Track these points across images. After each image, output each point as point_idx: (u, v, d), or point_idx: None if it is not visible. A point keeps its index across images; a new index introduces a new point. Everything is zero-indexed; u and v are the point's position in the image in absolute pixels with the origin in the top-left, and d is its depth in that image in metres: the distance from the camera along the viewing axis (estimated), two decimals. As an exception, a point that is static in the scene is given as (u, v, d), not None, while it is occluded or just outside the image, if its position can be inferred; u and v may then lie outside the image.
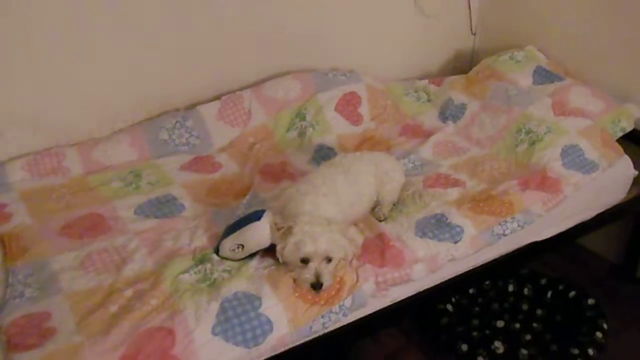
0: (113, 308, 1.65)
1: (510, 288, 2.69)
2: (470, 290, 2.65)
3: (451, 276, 2.08)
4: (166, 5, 2.49)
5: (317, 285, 1.73)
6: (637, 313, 2.66)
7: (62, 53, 2.38)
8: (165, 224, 2.06)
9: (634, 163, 2.51)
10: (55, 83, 2.41)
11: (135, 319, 1.60)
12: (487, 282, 2.68)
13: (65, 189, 2.25)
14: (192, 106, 2.67)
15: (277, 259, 1.82)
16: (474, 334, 2.38)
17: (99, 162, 2.41)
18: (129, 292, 1.71)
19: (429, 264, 1.95)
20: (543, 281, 2.68)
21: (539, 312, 2.60)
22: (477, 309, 2.60)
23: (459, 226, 2.04)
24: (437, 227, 2.03)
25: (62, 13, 2.31)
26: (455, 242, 2.00)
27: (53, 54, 2.36)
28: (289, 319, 1.70)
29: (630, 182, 2.54)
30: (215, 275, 1.78)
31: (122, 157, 2.44)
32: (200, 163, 2.47)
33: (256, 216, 1.86)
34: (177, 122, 2.55)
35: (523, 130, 2.53)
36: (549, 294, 2.65)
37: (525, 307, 2.63)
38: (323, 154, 2.52)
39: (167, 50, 2.59)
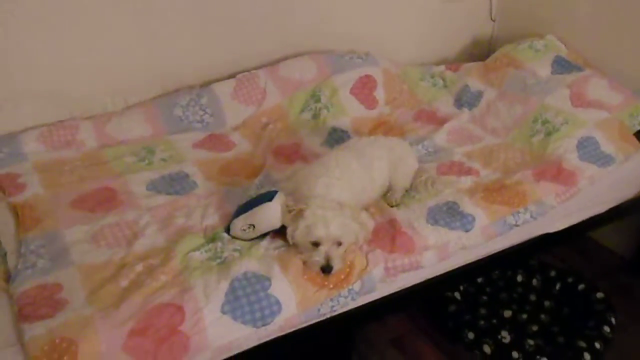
0: (124, 282, 1.66)
1: (519, 278, 2.68)
2: (479, 279, 2.65)
3: (461, 264, 2.08)
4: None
5: (327, 269, 1.73)
6: (646, 307, 2.65)
7: (77, 27, 2.38)
8: (177, 200, 2.06)
9: (649, 158, 2.48)
10: (70, 56, 2.42)
11: (145, 294, 1.61)
12: (496, 272, 2.67)
13: (78, 162, 2.26)
14: (206, 84, 2.66)
15: (288, 241, 1.82)
16: (481, 322, 2.38)
17: (112, 136, 2.41)
18: (139, 267, 1.72)
19: (439, 251, 1.94)
20: (552, 273, 2.68)
21: (546, 303, 2.59)
22: (485, 298, 2.60)
23: (470, 215, 2.02)
24: (448, 215, 2.02)
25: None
26: (467, 231, 1.99)
27: (69, 28, 2.36)
28: (298, 301, 1.70)
29: (646, 177, 2.51)
30: (226, 254, 1.79)
31: (136, 132, 2.45)
32: (214, 141, 2.47)
33: (268, 197, 1.86)
34: (191, 99, 2.55)
35: (539, 121, 2.50)
36: (558, 285, 2.64)
37: (533, 298, 2.62)
38: (337, 137, 2.51)
39: (183, 27, 2.58)
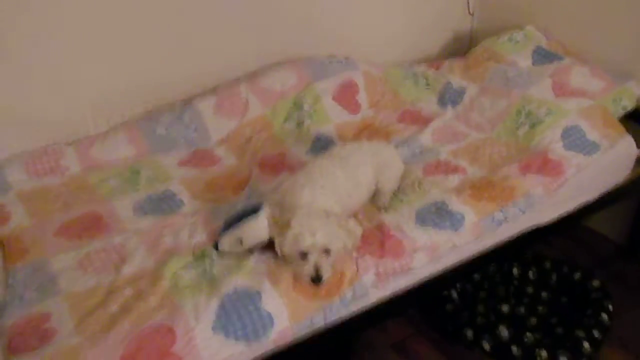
0: (113, 307, 1.64)
1: (515, 272, 2.67)
2: (475, 276, 2.64)
3: (453, 263, 2.07)
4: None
5: (317, 279, 1.72)
6: (641, 294, 2.64)
7: (55, 50, 2.35)
8: (164, 221, 2.04)
9: (636, 142, 2.48)
10: (49, 80, 2.39)
11: (135, 317, 1.59)
12: (491, 267, 2.66)
13: (63, 188, 2.25)
14: (188, 97, 2.64)
15: (276, 253, 1.81)
16: (479, 319, 2.37)
17: (96, 159, 2.39)
18: (128, 291, 1.70)
19: (430, 252, 1.94)
20: (547, 264, 2.67)
21: (544, 295, 2.58)
22: (482, 294, 2.59)
23: (459, 213, 2.02)
24: (437, 215, 2.01)
25: (54, 12, 2.29)
26: (456, 230, 1.98)
27: (46, 52, 2.33)
28: (290, 313, 1.69)
29: (633, 161, 2.51)
30: (215, 270, 1.78)
31: (120, 153, 2.43)
32: (199, 157, 2.46)
33: (253, 210, 1.85)
34: (174, 116, 2.53)
35: (523, 113, 2.50)
36: (554, 276, 2.63)
37: (530, 290, 2.61)
38: (322, 144, 2.50)
39: (160, 42, 2.56)
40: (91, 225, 2.02)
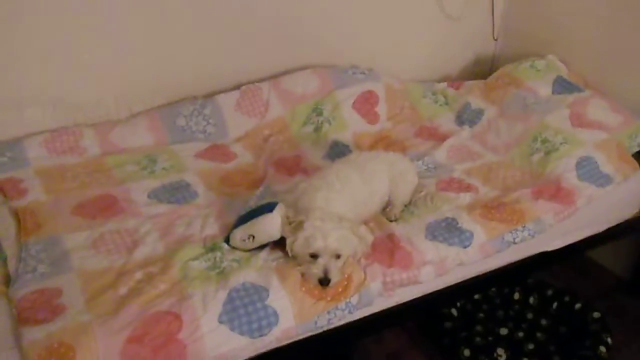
0: (123, 289, 1.67)
1: (516, 296, 2.69)
2: (476, 296, 2.65)
3: (458, 280, 2.09)
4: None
5: (324, 281, 1.74)
6: (641, 329, 2.65)
7: (83, 35, 2.39)
8: (177, 209, 2.08)
9: (648, 179, 2.50)
10: (75, 63, 2.43)
11: (144, 301, 1.62)
12: (493, 289, 2.68)
13: (80, 169, 2.28)
14: (210, 94, 2.68)
15: (287, 252, 1.83)
16: (477, 339, 2.38)
17: (115, 144, 2.43)
18: (139, 275, 1.73)
19: (437, 267, 1.95)
20: (549, 291, 2.68)
21: (543, 322, 2.60)
22: (481, 315, 2.60)
23: (469, 231, 2.04)
24: (447, 231, 2.03)
25: (89, 3, 2.34)
26: (465, 247, 2.00)
27: (75, 36, 2.38)
28: (295, 313, 1.71)
29: (644, 197, 2.53)
30: (225, 264, 1.80)
31: (139, 141, 2.46)
32: (216, 151, 2.49)
33: (268, 208, 1.87)
34: (195, 109, 2.57)
35: (539, 139, 2.52)
36: (555, 304, 2.64)
37: (530, 316, 2.63)
38: (338, 151, 2.52)
39: (189, 37, 2.60)
40: (106, 207, 2.05)
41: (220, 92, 2.69)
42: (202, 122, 2.56)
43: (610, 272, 3.01)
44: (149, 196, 2.14)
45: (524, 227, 2.12)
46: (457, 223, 2.07)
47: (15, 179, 2.17)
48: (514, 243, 2.10)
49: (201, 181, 2.26)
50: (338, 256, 1.78)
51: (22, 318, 1.55)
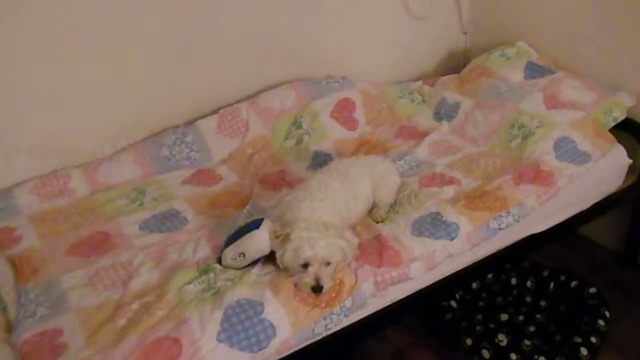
0: (121, 321, 1.71)
1: (514, 281, 2.71)
2: (474, 285, 2.69)
3: (451, 272, 2.13)
4: (163, 22, 2.57)
5: (317, 289, 1.78)
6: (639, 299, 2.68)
7: (63, 76, 2.45)
8: (169, 237, 2.12)
9: (628, 151, 2.54)
10: (56, 106, 2.48)
11: (143, 330, 1.66)
12: (489, 277, 2.72)
13: (72, 209, 2.33)
14: (191, 120, 2.74)
15: (278, 265, 1.88)
16: (478, 328, 2.42)
17: (103, 181, 2.48)
18: (135, 305, 1.77)
19: (426, 261, 2.00)
20: (545, 273, 2.71)
21: (542, 303, 2.63)
22: (481, 303, 2.64)
23: (454, 223, 2.08)
24: (433, 225, 2.08)
25: (62, 37, 2.39)
26: (452, 239, 2.05)
27: (55, 79, 2.44)
28: (292, 323, 1.75)
29: (625, 170, 2.56)
30: (219, 284, 1.85)
31: (125, 176, 2.51)
32: (202, 176, 2.54)
33: (255, 225, 1.92)
34: (177, 138, 2.62)
35: (516, 126, 2.57)
36: (552, 285, 2.67)
37: (529, 299, 2.66)
38: (320, 160, 2.57)
39: (164, 69, 2.65)
40: (99, 244, 2.10)
41: (201, 117, 2.74)
42: (185, 149, 2.61)
43: (604, 247, 3.04)
44: (140, 228, 2.19)
45: (508, 212, 2.16)
46: (442, 216, 2.11)
47: (8, 228, 2.22)
48: (500, 229, 2.14)
49: (190, 207, 2.31)
50: (328, 263, 1.82)
51: (26, 361, 1.59)
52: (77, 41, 2.43)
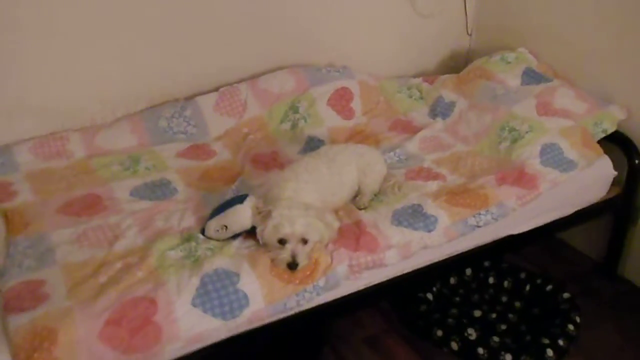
0: (102, 278, 1.79)
1: (491, 280, 2.78)
2: (452, 281, 2.76)
3: (426, 263, 2.20)
4: (168, 1, 2.63)
5: (292, 265, 1.86)
6: (614, 309, 2.74)
7: (70, 44, 2.53)
8: (158, 205, 2.19)
9: (616, 164, 2.60)
10: (62, 71, 2.56)
11: (122, 288, 1.73)
12: (468, 274, 2.79)
13: (67, 171, 2.40)
14: (191, 96, 2.80)
15: (258, 241, 1.95)
16: (449, 321, 2.48)
17: (100, 146, 2.55)
18: (118, 265, 1.85)
19: (402, 250, 2.06)
20: (522, 275, 2.77)
21: (517, 304, 2.69)
22: (457, 299, 2.71)
23: (433, 216, 2.15)
24: (412, 216, 2.14)
25: (69, 6, 2.46)
26: (429, 231, 2.11)
27: (61, 46, 2.51)
28: (265, 295, 1.82)
29: (610, 181, 2.62)
30: (199, 252, 1.92)
31: (122, 143, 2.58)
32: (196, 150, 2.61)
33: (240, 200, 1.99)
34: (175, 111, 2.69)
35: (506, 128, 2.62)
36: (528, 287, 2.73)
37: (504, 299, 2.72)
38: (313, 146, 2.63)
39: (169, 43, 2.72)
40: (90, 205, 2.17)
41: (201, 94, 2.81)
42: (183, 123, 2.68)
43: (587, 256, 3.09)
44: (131, 194, 2.26)
45: (487, 211, 2.22)
46: (423, 209, 2.18)
47: (5, 182, 2.30)
48: (478, 226, 2.21)
49: (181, 178, 2.38)
50: (305, 241, 1.90)
51: (8, 307, 1.66)
52: (85, 11, 2.50)
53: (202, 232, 2.02)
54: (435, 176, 2.42)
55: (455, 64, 3.51)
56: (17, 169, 2.39)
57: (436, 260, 2.22)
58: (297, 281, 1.88)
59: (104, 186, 2.30)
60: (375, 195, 2.30)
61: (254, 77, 2.92)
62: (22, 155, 2.44)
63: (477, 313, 2.61)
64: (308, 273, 1.90)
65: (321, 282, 1.91)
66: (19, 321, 1.61)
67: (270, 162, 2.53)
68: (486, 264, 2.82)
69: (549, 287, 2.69)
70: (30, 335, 1.57)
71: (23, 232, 2.02)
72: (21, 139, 2.52)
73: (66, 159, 2.48)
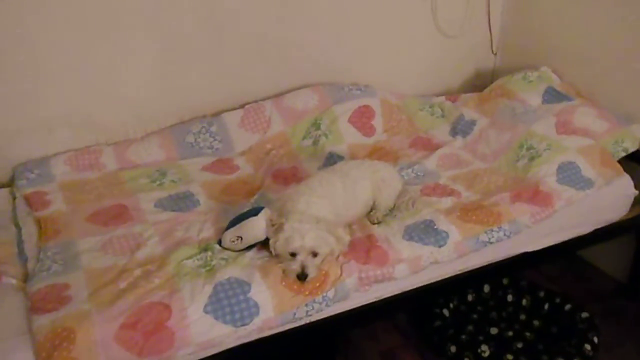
0: (122, 284, 1.89)
1: (510, 298, 2.78)
2: (470, 298, 2.77)
3: (437, 279, 2.23)
4: (198, 24, 2.78)
5: (302, 276, 1.92)
6: (636, 330, 2.71)
7: (108, 64, 2.69)
8: (179, 216, 2.30)
9: (637, 183, 2.58)
10: (100, 89, 2.72)
11: (139, 294, 1.83)
12: (486, 291, 2.80)
13: (98, 182, 2.54)
14: (218, 113, 2.92)
15: (271, 252, 2.03)
16: (463, 337, 2.50)
17: (131, 160, 2.69)
18: (138, 272, 1.95)
19: (412, 264, 2.10)
20: (541, 293, 2.77)
21: (535, 322, 2.69)
22: (474, 316, 2.72)
23: (444, 231, 2.18)
24: (424, 231, 2.18)
25: (111, 29, 2.62)
26: (440, 246, 2.15)
27: (101, 65, 2.68)
28: (275, 305, 1.89)
29: (631, 201, 2.60)
30: (214, 262, 2.00)
31: (151, 157, 2.72)
32: (220, 165, 2.72)
33: (255, 212, 2.08)
34: (203, 127, 2.82)
35: (525, 147, 2.64)
36: (546, 306, 2.73)
37: (522, 317, 2.72)
38: (333, 162, 2.69)
39: (199, 63, 2.86)
40: (117, 215, 2.29)
41: (227, 111, 2.93)
42: (209, 138, 2.80)
43: (610, 276, 3.07)
44: (155, 205, 2.37)
45: (500, 227, 2.24)
46: (435, 224, 2.22)
47: (41, 192, 2.45)
48: (490, 243, 2.22)
49: (204, 191, 2.48)
50: (315, 254, 1.96)
51: (34, 308, 1.78)
52: (124, 35, 2.67)
53: (219, 242, 2.11)
54: (450, 192, 2.46)
55: (481, 83, 3.54)
56: (53, 179, 2.54)
57: (447, 275, 2.25)
58: (307, 292, 1.94)
59: (131, 197, 2.43)
60: (389, 210, 2.35)
61: (278, 93, 3.02)
62: (58, 167, 2.59)
63: (494, 330, 2.61)
64: (317, 284, 1.96)
65: (330, 294, 1.97)
66: (42, 321, 1.72)
67: (290, 177, 2.61)
68: (505, 281, 2.82)
69: (568, 307, 2.68)
70: (51, 334, 1.68)
71: (53, 239, 2.15)
72: (58, 152, 2.68)
73: (98, 171, 2.63)
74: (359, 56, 3.23)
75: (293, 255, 1.95)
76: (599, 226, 2.57)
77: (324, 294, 1.96)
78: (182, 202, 2.40)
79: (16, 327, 1.76)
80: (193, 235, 2.17)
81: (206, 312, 1.82)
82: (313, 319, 1.99)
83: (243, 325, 1.85)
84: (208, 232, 2.18)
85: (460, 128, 2.97)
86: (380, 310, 2.16)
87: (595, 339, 2.49)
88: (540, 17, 3.27)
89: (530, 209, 2.32)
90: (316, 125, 2.89)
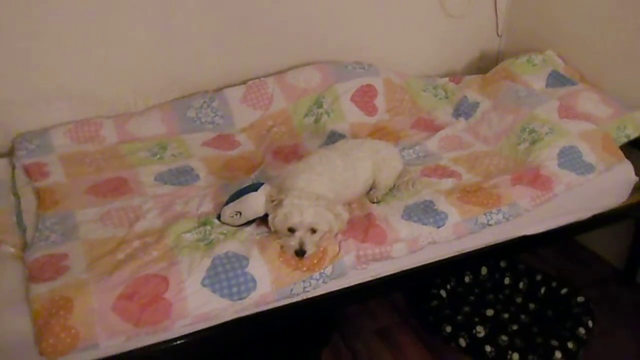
0: (120, 255, 1.89)
1: (507, 281, 2.80)
2: (467, 279, 2.78)
3: (435, 259, 2.23)
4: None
5: (300, 252, 1.92)
6: (631, 316, 2.72)
7: (109, 36, 2.66)
8: (179, 190, 2.30)
9: (638, 169, 2.57)
10: (100, 61, 2.70)
11: (137, 265, 1.83)
12: (484, 273, 2.81)
13: (98, 155, 2.53)
14: (220, 89, 2.90)
15: (270, 227, 2.03)
16: (459, 317, 2.51)
17: (131, 133, 2.68)
18: (136, 244, 1.95)
19: (410, 244, 2.10)
20: (538, 277, 2.78)
21: (531, 306, 2.70)
22: (471, 297, 2.73)
23: (444, 212, 2.18)
24: (423, 211, 2.18)
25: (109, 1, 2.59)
26: (438, 227, 2.14)
27: (100, 37, 2.65)
28: (272, 280, 1.90)
29: (631, 187, 2.59)
30: (213, 236, 2.00)
31: (152, 131, 2.71)
32: (221, 141, 2.71)
33: (254, 187, 2.07)
34: (204, 102, 2.80)
35: (527, 130, 2.63)
36: (543, 289, 2.74)
37: (519, 300, 2.74)
38: (334, 140, 2.67)
39: (202, 37, 2.84)
40: (116, 187, 2.29)
41: (230, 86, 2.91)
42: (211, 113, 2.79)
43: (607, 262, 3.09)
44: (155, 179, 2.37)
45: (499, 210, 2.24)
46: (434, 205, 2.21)
47: (40, 163, 2.44)
48: (489, 225, 2.22)
49: (204, 166, 2.48)
50: (314, 230, 1.96)
51: (32, 277, 1.78)
52: (124, 5, 2.63)
53: (218, 217, 2.10)
54: (451, 174, 2.45)
55: (485, 65, 3.52)
56: (53, 151, 2.53)
57: (446, 256, 2.26)
58: (305, 268, 1.95)
59: (131, 170, 2.42)
60: (389, 190, 2.35)
61: (280, 72, 3.00)
62: (58, 138, 2.58)
63: (490, 312, 2.63)
64: (315, 261, 1.96)
65: (328, 271, 1.97)
66: (40, 290, 1.72)
67: (291, 154, 2.60)
68: (502, 264, 2.83)
69: (564, 291, 2.69)
70: (48, 303, 1.68)
71: (52, 210, 2.14)
72: (58, 123, 2.67)
73: (98, 144, 2.62)
74: (363, 35, 3.21)
75: (292, 231, 1.95)
76: (598, 212, 2.56)
77: (322, 271, 1.97)
78: (182, 176, 2.40)
79: (14, 295, 1.76)
80: (192, 209, 2.17)
81: (204, 285, 1.82)
82: (310, 295, 2.00)
83: (240, 299, 1.86)
84: (207, 207, 2.18)
85: (462, 110, 2.96)
86: (377, 288, 2.17)
87: (590, 323, 2.51)
88: (546, 0, 3.23)
89: (530, 192, 2.32)
90: (318, 103, 2.88)
